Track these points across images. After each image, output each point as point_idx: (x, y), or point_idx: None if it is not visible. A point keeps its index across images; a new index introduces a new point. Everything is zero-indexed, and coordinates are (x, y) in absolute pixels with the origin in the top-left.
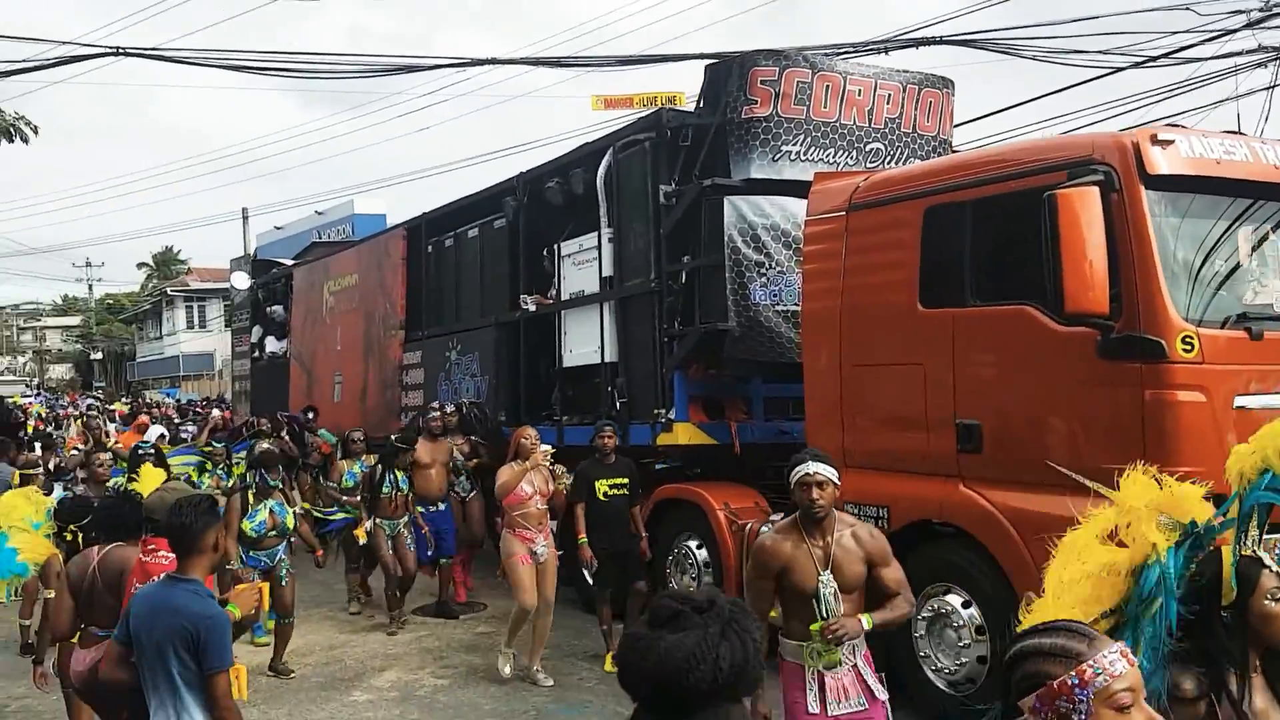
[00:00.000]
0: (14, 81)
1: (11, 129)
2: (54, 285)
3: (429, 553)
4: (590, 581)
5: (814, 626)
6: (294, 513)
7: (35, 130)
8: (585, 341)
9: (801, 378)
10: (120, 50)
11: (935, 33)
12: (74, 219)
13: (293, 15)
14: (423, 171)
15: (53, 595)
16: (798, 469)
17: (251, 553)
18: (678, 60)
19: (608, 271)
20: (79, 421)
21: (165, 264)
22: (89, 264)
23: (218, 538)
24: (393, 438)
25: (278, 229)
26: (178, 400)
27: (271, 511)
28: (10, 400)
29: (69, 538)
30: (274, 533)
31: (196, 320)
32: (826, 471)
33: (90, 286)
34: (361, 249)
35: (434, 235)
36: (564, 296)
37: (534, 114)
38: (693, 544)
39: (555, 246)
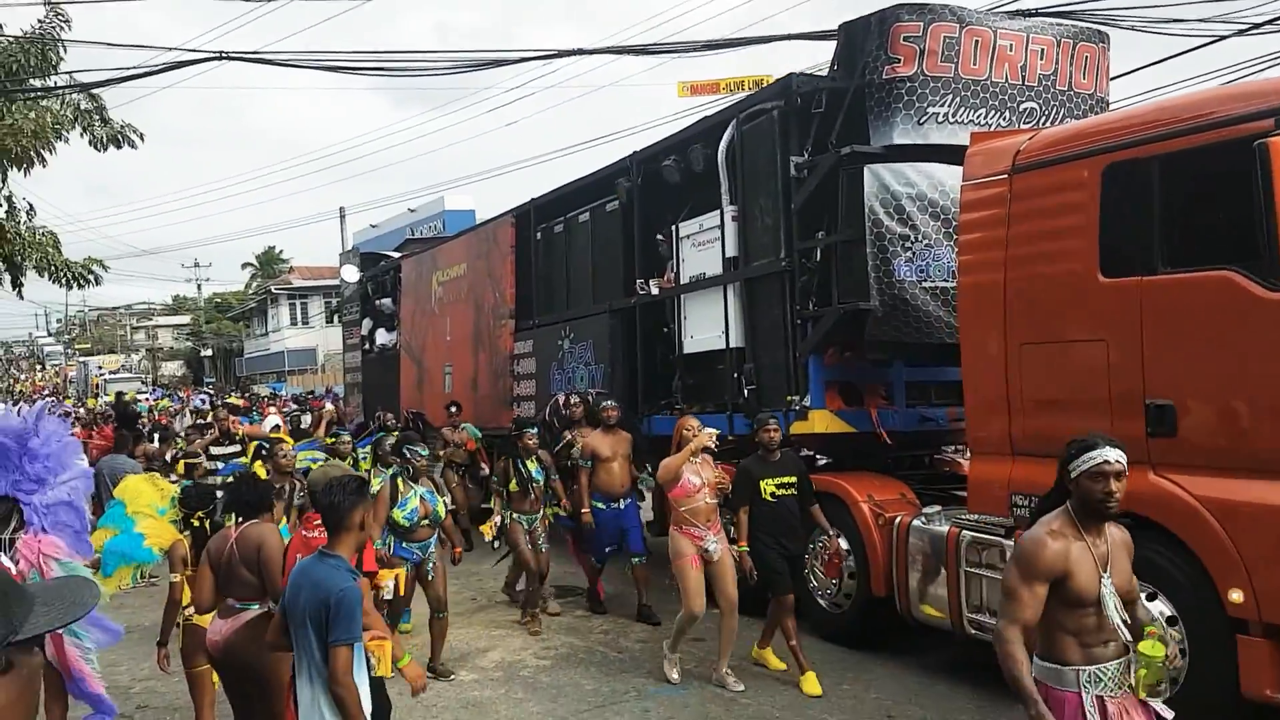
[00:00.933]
0: (122, 89)
1: (120, 136)
2: (165, 286)
3: (606, 550)
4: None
5: (1151, 644)
6: (444, 502)
7: (141, 137)
8: (707, 326)
9: (949, 360)
10: (223, 55)
11: (1032, 5)
12: (181, 221)
13: (380, 17)
14: (511, 165)
15: (178, 579)
16: (1091, 455)
17: (404, 544)
18: (763, 42)
19: (731, 252)
20: (196, 416)
21: (268, 263)
22: (197, 264)
23: (365, 517)
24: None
25: (373, 227)
26: (283, 395)
27: (422, 499)
28: (126, 395)
29: (195, 524)
30: (426, 522)
31: (299, 317)
32: (1124, 460)
33: (199, 286)
34: (469, 238)
35: (543, 221)
36: (683, 279)
37: (620, 105)
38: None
39: (673, 227)
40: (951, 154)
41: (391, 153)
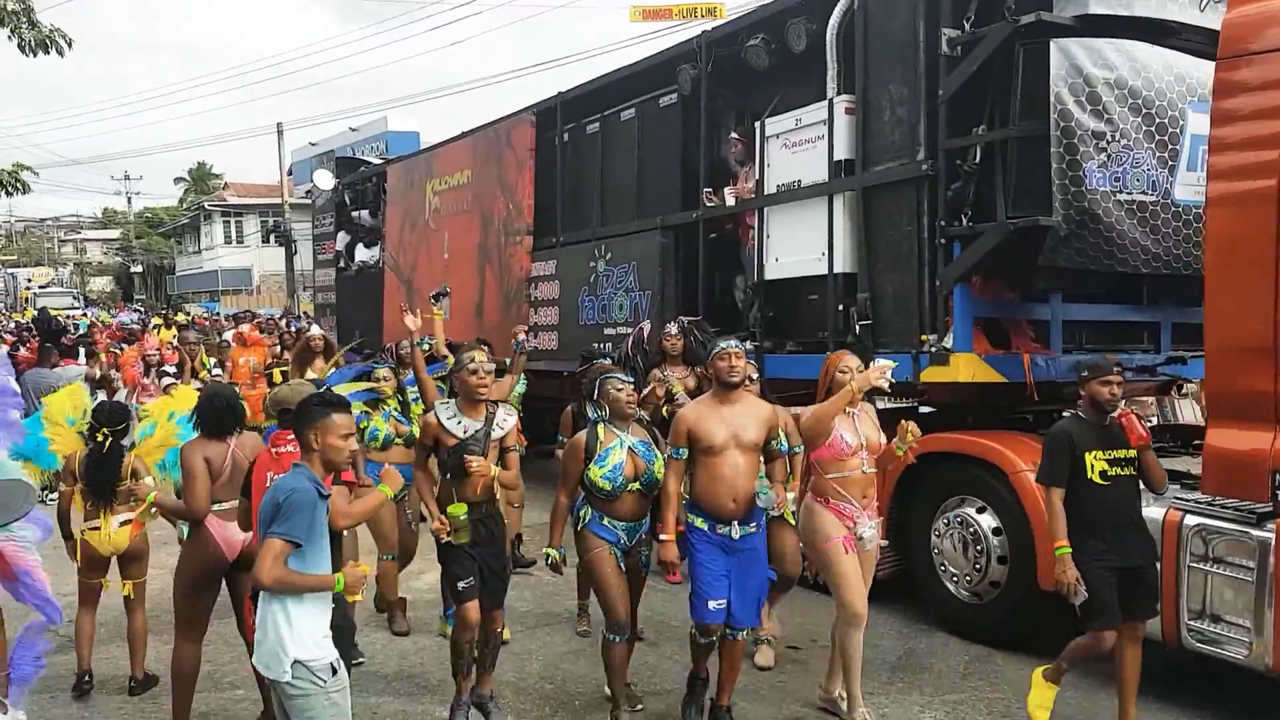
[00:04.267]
0: None
1: (48, 40)
2: (94, 198)
3: (711, 607)
4: (1078, 612)
5: None
6: (662, 458)
7: (69, 43)
8: (801, 247)
9: (1121, 295)
10: None
11: None
12: (112, 130)
13: None
14: (457, 87)
15: (65, 489)
16: None
17: (605, 519)
18: None
19: (844, 153)
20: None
21: (201, 179)
22: (127, 177)
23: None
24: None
25: (312, 145)
26: (216, 313)
27: (632, 453)
28: (51, 310)
29: (100, 439)
30: (637, 486)
31: (234, 235)
32: None
33: (129, 199)
34: (475, 140)
35: (571, 120)
36: (769, 189)
37: (570, 27)
38: (971, 510)
39: (756, 125)
40: (1157, 30)
41: (333, 67)
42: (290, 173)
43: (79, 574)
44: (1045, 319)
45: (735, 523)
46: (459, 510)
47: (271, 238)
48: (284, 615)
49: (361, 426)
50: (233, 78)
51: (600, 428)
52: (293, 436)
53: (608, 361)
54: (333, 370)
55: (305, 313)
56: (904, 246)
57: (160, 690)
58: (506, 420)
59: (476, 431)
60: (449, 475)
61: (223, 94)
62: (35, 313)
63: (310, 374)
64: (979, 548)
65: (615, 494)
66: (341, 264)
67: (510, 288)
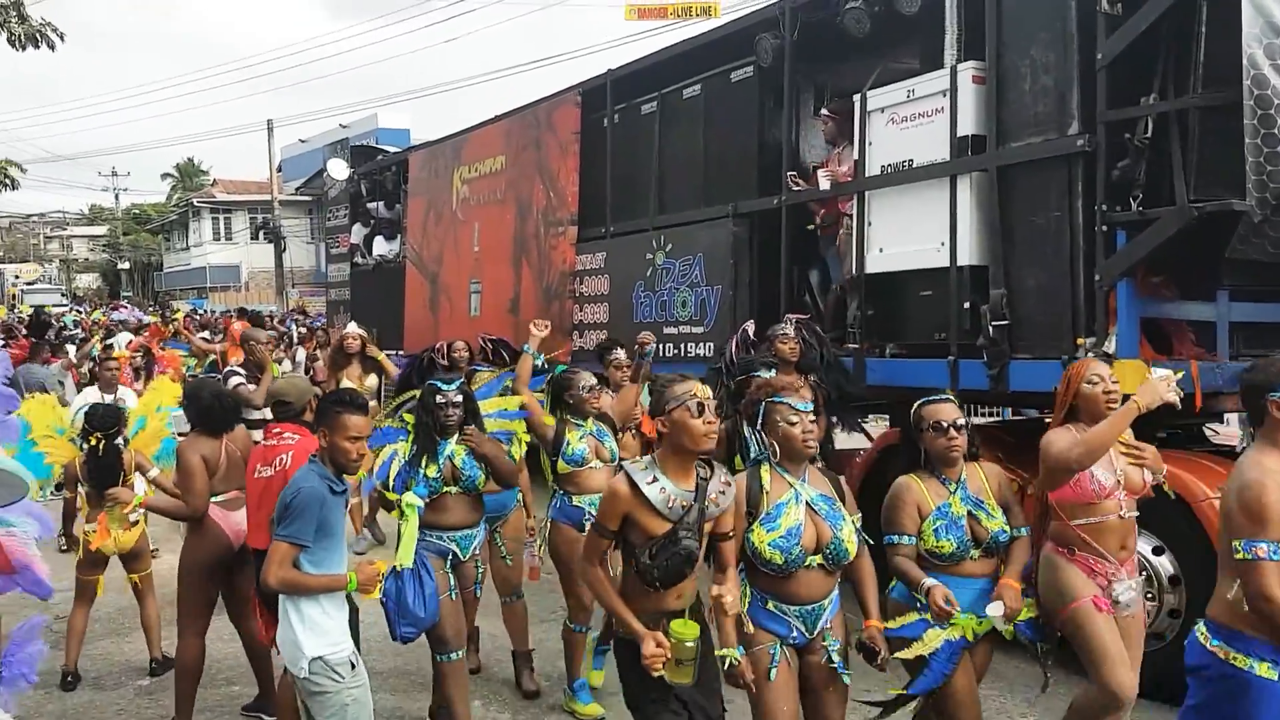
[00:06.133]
0: None
1: (38, 34)
2: (81, 194)
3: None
4: None
5: None
6: (855, 520)
7: (61, 36)
8: (912, 236)
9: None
10: None
11: None
12: (100, 127)
13: None
14: (449, 84)
15: (69, 495)
16: None
17: (772, 605)
18: None
19: (970, 128)
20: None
21: (188, 175)
22: (115, 173)
23: None
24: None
25: (302, 141)
26: (207, 310)
27: (812, 510)
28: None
29: (93, 442)
30: (819, 558)
31: (222, 232)
32: None
33: (116, 196)
34: (511, 124)
35: (622, 100)
36: (870, 170)
37: (565, 25)
38: (1145, 548)
39: (858, 98)
40: None
41: (324, 64)
42: (280, 169)
43: (77, 569)
44: (1204, 319)
45: None
46: (689, 634)
47: (261, 234)
48: (298, 613)
49: None
50: (223, 74)
51: (765, 471)
52: (278, 430)
53: (771, 373)
54: (482, 384)
55: (304, 310)
56: (1051, 234)
57: (155, 686)
58: (724, 493)
59: (686, 513)
60: (653, 581)
61: (212, 90)
62: (31, 310)
63: (346, 382)
64: (1148, 594)
65: (788, 570)
66: (357, 258)
67: (551, 283)
